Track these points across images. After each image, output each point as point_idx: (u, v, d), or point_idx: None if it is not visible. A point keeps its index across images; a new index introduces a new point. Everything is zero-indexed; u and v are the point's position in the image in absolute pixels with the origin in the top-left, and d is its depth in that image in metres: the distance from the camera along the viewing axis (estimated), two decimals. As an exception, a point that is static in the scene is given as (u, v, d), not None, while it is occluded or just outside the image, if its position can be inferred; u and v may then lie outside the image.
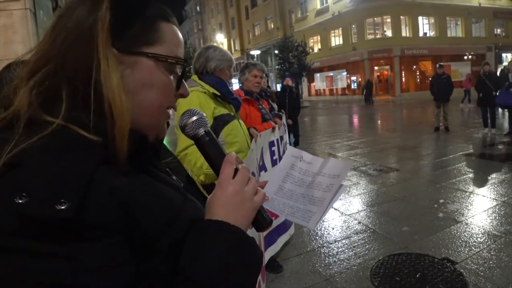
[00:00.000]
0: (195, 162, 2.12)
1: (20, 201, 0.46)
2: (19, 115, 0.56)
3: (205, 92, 2.38)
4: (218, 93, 2.40)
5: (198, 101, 2.31)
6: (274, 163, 3.23)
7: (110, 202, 0.53)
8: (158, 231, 0.59)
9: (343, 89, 35.48)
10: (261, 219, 0.71)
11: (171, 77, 0.69)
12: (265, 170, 3.08)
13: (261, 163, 3.01)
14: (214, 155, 0.73)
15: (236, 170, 0.69)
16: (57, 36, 0.61)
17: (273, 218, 0.75)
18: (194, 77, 2.50)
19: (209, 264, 0.58)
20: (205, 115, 0.76)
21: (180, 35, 0.72)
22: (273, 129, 3.36)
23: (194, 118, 0.73)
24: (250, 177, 0.70)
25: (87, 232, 0.50)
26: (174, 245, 0.60)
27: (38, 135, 0.52)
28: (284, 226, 3.56)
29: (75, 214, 0.48)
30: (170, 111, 0.73)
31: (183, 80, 0.73)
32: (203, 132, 0.73)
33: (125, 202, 0.54)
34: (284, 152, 3.55)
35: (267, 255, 3.15)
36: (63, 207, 0.47)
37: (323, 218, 3.77)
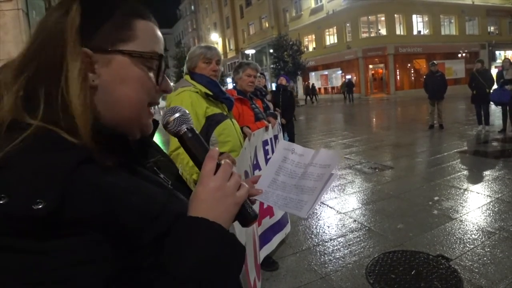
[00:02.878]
0: (187, 162, 2.12)
1: (0, 202, 0.48)
2: (4, 119, 0.58)
3: (197, 92, 2.38)
4: (210, 93, 2.40)
5: (190, 100, 2.31)
6: (267, 162, 3.23)
7: (91, 199, 0.54)
8: (141, 227, 0.60)
9: (338, 87, 35.59)
10: (245, 213, 0.71)
11: (151, 74, 0.70)
12: (259, 169, 3.08)
13: (255, 162, 3.00)
14: (197, 152, 0.74)
15: (219, 165, 0.69)
16: (36, 39, 0.64)
17: (259, 215, 0.75)
18: (187, 77, 2.51)
19: (188, 260, 0.59)
20: (188, 112, 0.76)
21: (157, 31, 0.73)
22: (266, 128, 3.35)
23: (177, 115, 0.74)
24: (233, 172, 0.71)
25: (67, 229, 0.51)
26: (158, 239, 0.62)
27: (21, 137, 0.54)
28: (279, 225, 3.56)
29: (52, 212, 0.49)
30: (153, 109, 0.75)
31: (164, 76, 0.74)
32: (186, 129, 0.74)
33: (106, 200, 0.56)
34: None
35: (263, 253, 3.15)
36: (40, 206, 0.48)
37: (318, 215, 3.75)
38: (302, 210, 0.85)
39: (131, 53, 0.67)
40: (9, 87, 0.61)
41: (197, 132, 0.75)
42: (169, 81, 0.76)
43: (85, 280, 0.52)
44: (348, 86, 29.19)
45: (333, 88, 36.49)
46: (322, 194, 0.86)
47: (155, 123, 0.79)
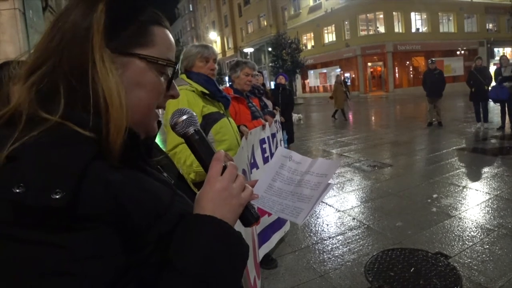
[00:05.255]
0: (184, 161, 2.11)
1: (17, 191, 0.49)
2: (20, 111, 0.58)
3: (193, 91, 2.37)
4: (207, 92, 2.40)
5: (187, 99, 2.30)
6: (265, 160, 3.22)
7: (103, 195, 0.55)
8: (148, 223, 0.62)
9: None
10: (248, 215, 0.74)
11: (162, 78, 0.73)
12: (257, 168, 3.07)
13: (252, 161, 3.00)
14: (203, 153, 0.76)
15: (225, 167, 0.72)
16: (55, 36, 0.64)
17: (260, 215, 0.77)
18: (183, 76, 2.50)
19: (196, 256, 0.61)
20: (195, 114, 0.78)
21: (172, 39, 0.76)
22: (263, 126, 3.34)
23: (184, 117, 0.75)
24: (238, 174, 0.73)
25: (79, 223, 0.52)
26: (164, 237, 0.63)
27: (37, 131, 0.55)
28: (278, 223, 3.56)
29: (69, 203, 0.50)
30: (160, 112, 0.77)
31: (173, 81, 0.76)
32: (193, 131, 0.76)
33: (117, 195, 0.57)
34: (276, 149, 3.54)
35: (262, 252, 3.14)
36: (57, 196, 0.49)
37: (317, 213, 3.75)
38: (299, 217, 0.86)
39: (148, 58, 0.68)
40: (22, 81, 0.62)
41: (203, 134, 0.77)
42: (176, 86, 0.79)
43: (96, 273, 0.53)
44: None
45: (330, 86, 36.50)
46: (318, 202, 0.87)
47: (158, 123, 0.81)
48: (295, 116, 14.33)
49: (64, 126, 0.58)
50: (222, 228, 0.65)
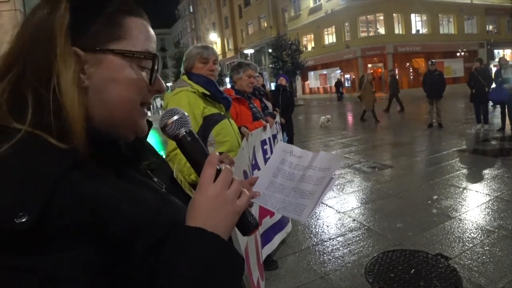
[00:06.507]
0: (185, 162, 2.10)
1: None
2: None
3: (194, 92, 2.37)
4: (208, 93, 2.40)
5: (187, 100, 2.30)
6: (266, 161, 3.22)
7: (78, 210, 0.51)
8: (132, 235, 0.57)
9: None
10: (246, 222, 0.68)
11: (143, 73, 0.67)
12: (258, 169, 3.07)
13: (253, 162, 3.00)
14: (196, 156, 0.70)
15: (219, 171, 0.66)
16: (20, 40, 0.61)
17: (259, 222, 0.74)
18: (184, 77, 2.51)
19: (185, 273, 0.57)
20: (187, 114, 0.73)
21: (149, 29, 0.70)
22: (264, 127, 3.34)
23: (175, 117, 0.70)
24: (234, 178, 0.67)
25: (52, 243, 0.49)
26: (153, 247, 0.59)
27: (7, 145, 0.52)
28: (280, 225, 3.55)
29: (36, 226, 0.46)
30: (149, 113, 0.71)
31: (157, 75, 0.70)
32: (184, 132, 0.70)
33: (95, 209, 0.53)
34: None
35: (264, 253, 3.14)
36: (23, 220, 0.46)
37: (317, 215, 3.74)
38: (302, 215, 0.83)
39: (123, 52, 0.64)
40: None
41: (196, 135, 0.72)
42: (162, 80, 0.73)
43: None
44: (336, 86, 31.22)
45: (331, 87, 36.51)
46: (322, 198, 0.84)
47: (149, 123, 0.76)
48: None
49: (37, 137, 0.54)
50: (212, 242, 0.60)
